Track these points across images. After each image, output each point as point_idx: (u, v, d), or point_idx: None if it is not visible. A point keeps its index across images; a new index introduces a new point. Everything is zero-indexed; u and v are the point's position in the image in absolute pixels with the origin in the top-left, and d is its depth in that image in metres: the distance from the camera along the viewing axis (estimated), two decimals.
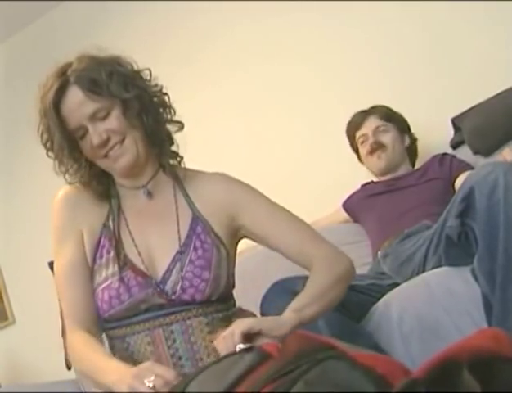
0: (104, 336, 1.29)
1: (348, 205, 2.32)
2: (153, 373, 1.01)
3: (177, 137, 1.35)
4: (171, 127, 1.32)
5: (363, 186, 2.33)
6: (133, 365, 1.11)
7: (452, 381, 0.62)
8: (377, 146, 2.20)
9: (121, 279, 1.20)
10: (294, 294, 1.24)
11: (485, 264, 1.32)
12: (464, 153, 2.20)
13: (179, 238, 1.25)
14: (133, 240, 1.26)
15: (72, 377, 2.25)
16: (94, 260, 1.25)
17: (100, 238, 1.26)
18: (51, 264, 2.32)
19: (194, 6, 2.94)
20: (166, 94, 1.31)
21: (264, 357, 0.85)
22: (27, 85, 3.66)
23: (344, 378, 0.74)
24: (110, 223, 1.28)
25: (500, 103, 2.16)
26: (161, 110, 1.30)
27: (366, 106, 2.34)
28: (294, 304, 1.13)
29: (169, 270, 1.22)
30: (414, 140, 2.31)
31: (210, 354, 1.17)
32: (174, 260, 1.23)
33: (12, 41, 3.36)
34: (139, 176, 1.30)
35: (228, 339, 1.00)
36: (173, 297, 1.20)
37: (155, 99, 1.29)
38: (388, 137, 2.22)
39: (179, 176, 1.33)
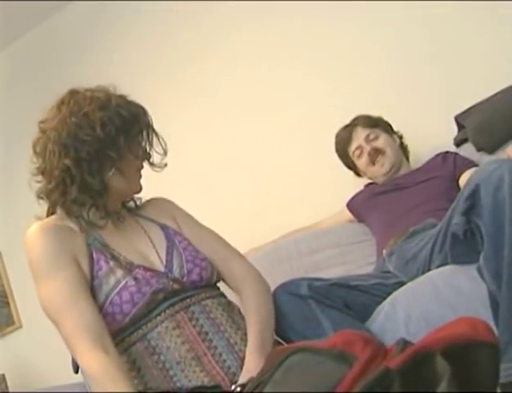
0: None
1: (352, 205, 2.32)
2: None
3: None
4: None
5: (367, 186, 2.34)
6: (156, 360, 1.21)
7: (423, 369, 0.66)
8: (375, 153, 2.22)
9: (135, 277, 1.26)
10: (299, 297, 1.22)
11: (491, 261, 1.32)
12: (468, 151, 2.20)
13: (165, 237, 1.39)
14: (128, 242, 1.36)
15: (79, 380, 2.25)
16: (92, 277, 1.26)
17: (91, 254, 1.29)
18: None
19: (196, 7, 2.94)
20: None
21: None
22: (28, 91, 3.68)
23: (308, 365, 0.79)
24: (92, 241, 1.32)
25: (503, 100, 2.16)
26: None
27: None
28: (252, 344, 1.23)
29: (168, 261, 1.33)
30: (400, 137, 2.34)
31: (232, 326, 1.29)
32: (169, 252, 1.34)
33: (13, 47, 3.37)
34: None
35: None
36: (185, 279, 1.30)
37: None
38: (382, 142, 2.24)
39: (131, 208, 1.49)
